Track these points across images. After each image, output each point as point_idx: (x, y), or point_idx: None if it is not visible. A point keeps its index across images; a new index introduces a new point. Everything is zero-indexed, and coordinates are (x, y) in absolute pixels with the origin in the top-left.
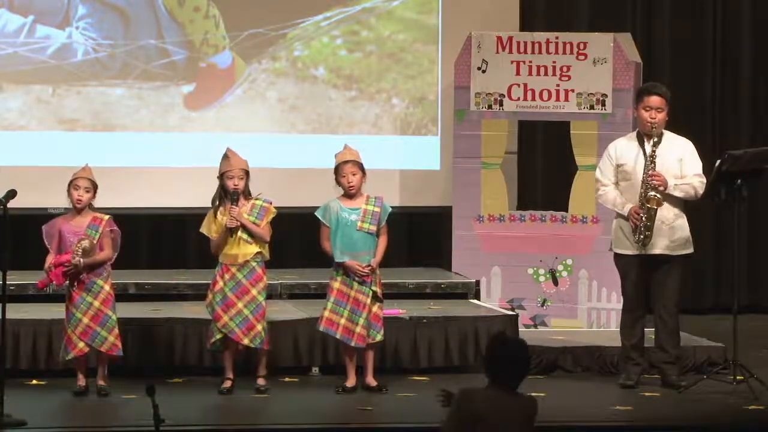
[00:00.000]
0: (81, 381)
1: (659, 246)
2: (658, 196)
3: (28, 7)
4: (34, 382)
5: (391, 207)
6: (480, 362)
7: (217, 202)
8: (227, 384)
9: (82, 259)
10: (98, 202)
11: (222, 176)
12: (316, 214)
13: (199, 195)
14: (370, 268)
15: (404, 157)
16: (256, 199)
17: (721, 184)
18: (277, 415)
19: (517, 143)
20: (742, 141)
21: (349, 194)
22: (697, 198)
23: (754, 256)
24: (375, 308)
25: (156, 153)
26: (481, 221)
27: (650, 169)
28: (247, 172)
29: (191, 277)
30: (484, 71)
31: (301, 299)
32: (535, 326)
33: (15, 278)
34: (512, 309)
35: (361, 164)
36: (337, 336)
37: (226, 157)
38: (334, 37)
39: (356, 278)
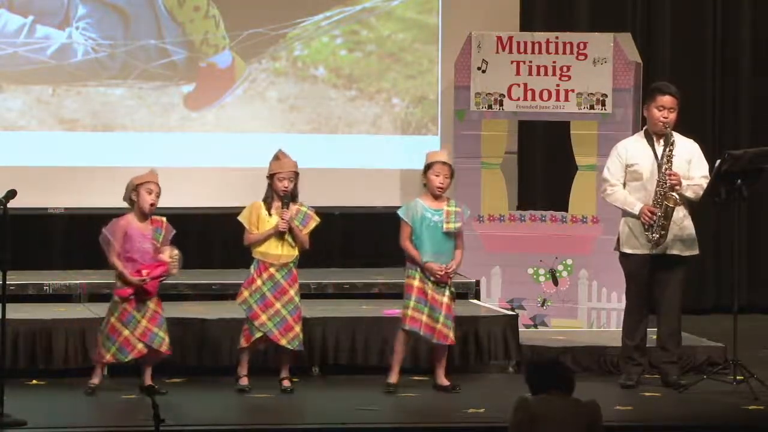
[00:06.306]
0: (98, 379)
1: (673, 246)
2: (676, 195)
3: (28, 7)
4: (34, 382)
5: (391, 207)
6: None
7: (269, 201)
8: (246, 381)
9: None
10: (96, 203)
11: (272, 177)
12: (398, 212)
13: (199, 195)
14: (451, 271)
15: (404, 157)
16: (302, 205)
17: (721, 184)
18: (277, 415)
19: (517, 143)
20: (742, 141)
21: (435, 195)
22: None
23: (754, 256)
24: (454, 306)
25: (156, 153)
26: (481, 221)
27: (668, 168)
28: (296, 174)
29: (191, 277)
30: (484, 71)
31: (301, 299)
32: (535, 326)
33: (15, 278)
34: (512, 309)
35: (452, 168)
36: (421, 333)
37: (277, 158)
38: (334, 37)
39: (432, 278)
